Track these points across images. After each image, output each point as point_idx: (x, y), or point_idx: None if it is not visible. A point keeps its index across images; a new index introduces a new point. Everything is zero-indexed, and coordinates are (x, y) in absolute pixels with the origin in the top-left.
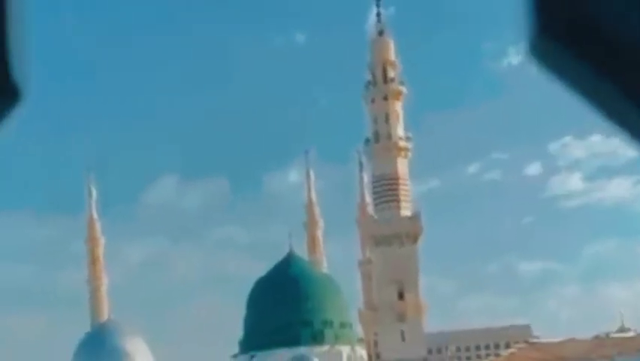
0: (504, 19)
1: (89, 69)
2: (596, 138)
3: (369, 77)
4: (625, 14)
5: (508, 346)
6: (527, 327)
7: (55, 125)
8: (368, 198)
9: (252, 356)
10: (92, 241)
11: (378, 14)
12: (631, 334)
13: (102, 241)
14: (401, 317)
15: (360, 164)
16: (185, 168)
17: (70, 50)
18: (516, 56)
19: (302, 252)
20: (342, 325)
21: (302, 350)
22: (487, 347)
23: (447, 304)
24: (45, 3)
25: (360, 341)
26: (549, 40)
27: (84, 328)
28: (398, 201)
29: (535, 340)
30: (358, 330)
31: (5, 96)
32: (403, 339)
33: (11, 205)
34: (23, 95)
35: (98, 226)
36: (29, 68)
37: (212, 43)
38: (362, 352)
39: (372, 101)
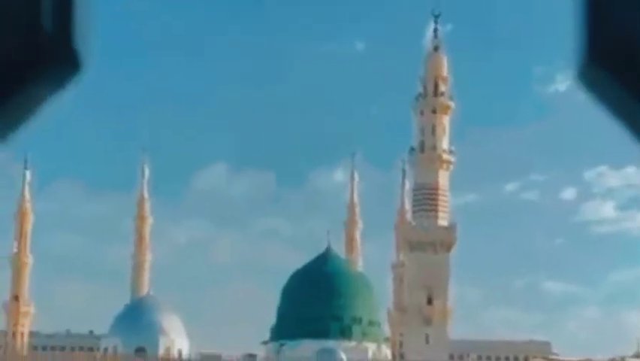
0: (556, 45)
1: (153, 49)
2: (630, 170)
3: (420, 89)
4: None
5: (527, 360)
6: (547, 344)
7: (115, 102)
8: (407, 205)
9: (282, 345)
10: (140, 219)
11: (436, 30)
12: None
13: (150, 220)
14: (427, 321)
15: (404, 171)
16: (236, 157)
17: (135, 29)
18: (563, 83)
19: (339, 249)
20: (371, 323)
21: (330, 343)
22: (507, 359)
23: (472, 313)
24: None
25: (387, 340)
26: (597, 68)
27: (124, 300)
28: (436, 210)
29: (554, 357)
30: (386, 329)
31: (66, 64)
32: (428, 342)
33: (66, 175)
34: (83, 66)
35: (147, 205)
36: (91, 39)
37: (275, 42)
38: (387, 351)
39: (421, 112)
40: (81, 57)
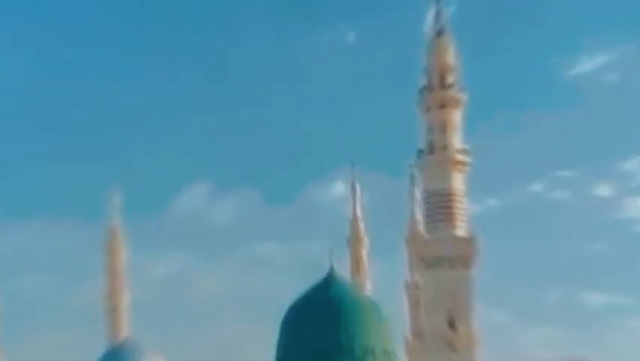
0: (579, 21)
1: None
2: None
3: (424, 81)
4: None
5: None
6: None
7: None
8: (419, 216)
9: None
10: (112, 252)
11: (438, 13)
12: None
13: (123, 253)
14: (451, 347)
15: (412, 178)
16: (218, 176)
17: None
18: (588, 63)
19: (344, 272)
20: (385, 353)
21: None
22: None
23: (502, 334)
24: None
25: None
26: None
27: (101, 346)
28: (452, 220)
29: None
30: (402, 359)
31: None
32: None
33: (27, 213)
34: None
35: (120, 237)
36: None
37: (253, 42)
38: None
39: (428, 109)
40: None
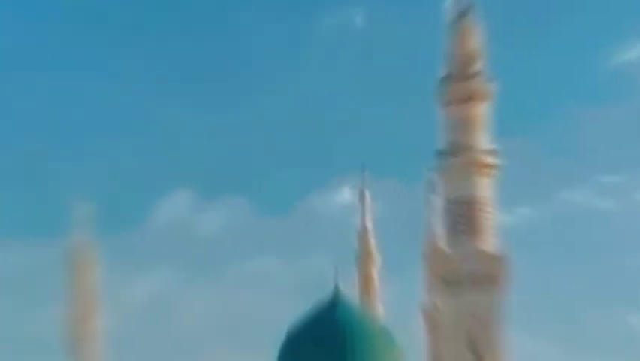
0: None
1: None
2: None
3: (444, 72)
4: None
5: None
6: None
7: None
8: (438, 228)
9: None
10: (79, 272)
11: None
12: None
13: (94, 272)
14: None
15: (430, 183)
16: (203, 184)
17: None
18: (632, 51)
19: (351, 292)
20: None
21: None
22: None
23: None
24: None
25: None
26: None
27: None
28: (478, 232)
29: None
30: None
31: None
32: None
33: None
34: None
35: (89, 254)
36: None
37: (246, 32)
38: None
39: (448, 103)
40: None
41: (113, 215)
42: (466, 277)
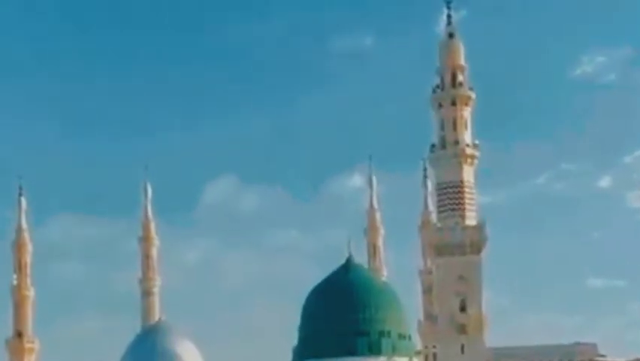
0: (578, 24)
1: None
2: None
3: (437, 81)
4: None
5: None
6: (594, 346)
7: (112, 120)
8: (431, 206)
9: None
10: (145, 241)
11: (449, 17)
12: None
13: (156, 241)
14: (462, 330)
15: (425, 171)
16: (245, 169)
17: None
18: (589, 65)
19: (361, 259)
20: (401, 336)
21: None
22: None
23: (510, 319)
24: None
25: (419, 353)
26: None
27: (135, 329)
28: (462, 209)
29: (600, 359)
30: (417, 342)
31: None
32: (463, 352)
33: (62, 200)
34: None
35: (152, 226)
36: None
37: (275, 43)
38: None
39: (440, 105)
40: None
41: (172, 195)
42: (454, 245)
